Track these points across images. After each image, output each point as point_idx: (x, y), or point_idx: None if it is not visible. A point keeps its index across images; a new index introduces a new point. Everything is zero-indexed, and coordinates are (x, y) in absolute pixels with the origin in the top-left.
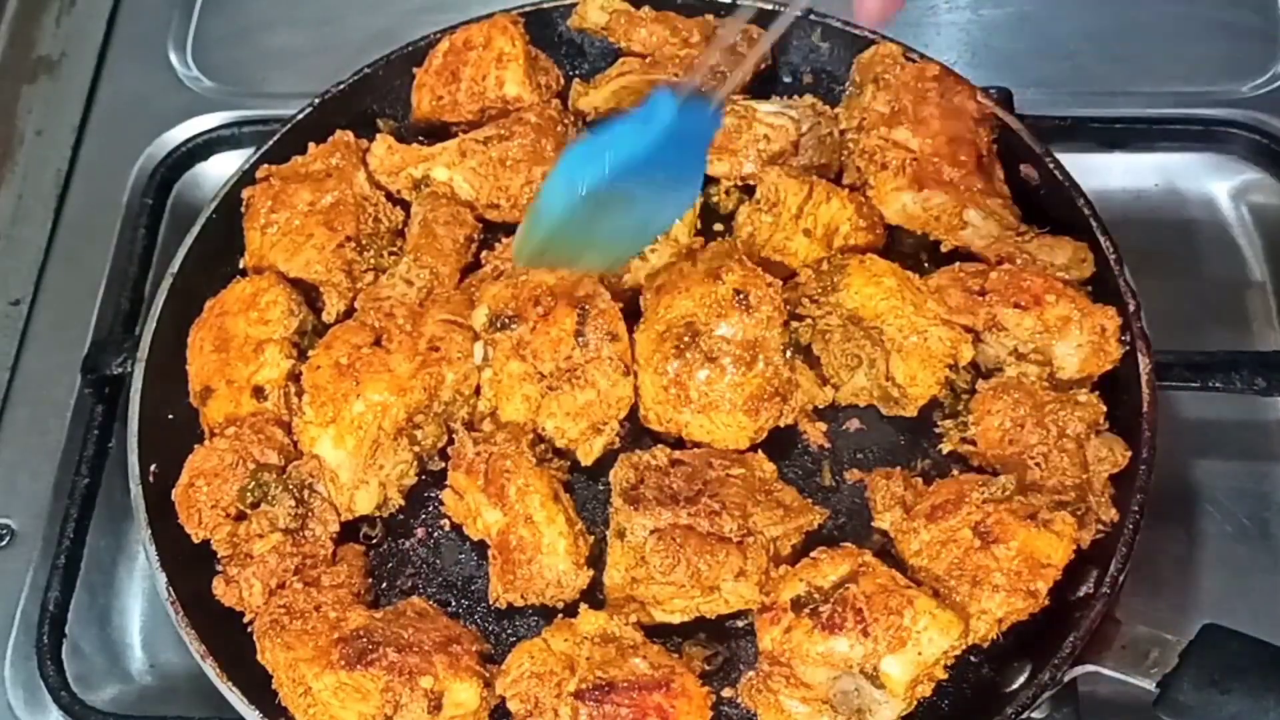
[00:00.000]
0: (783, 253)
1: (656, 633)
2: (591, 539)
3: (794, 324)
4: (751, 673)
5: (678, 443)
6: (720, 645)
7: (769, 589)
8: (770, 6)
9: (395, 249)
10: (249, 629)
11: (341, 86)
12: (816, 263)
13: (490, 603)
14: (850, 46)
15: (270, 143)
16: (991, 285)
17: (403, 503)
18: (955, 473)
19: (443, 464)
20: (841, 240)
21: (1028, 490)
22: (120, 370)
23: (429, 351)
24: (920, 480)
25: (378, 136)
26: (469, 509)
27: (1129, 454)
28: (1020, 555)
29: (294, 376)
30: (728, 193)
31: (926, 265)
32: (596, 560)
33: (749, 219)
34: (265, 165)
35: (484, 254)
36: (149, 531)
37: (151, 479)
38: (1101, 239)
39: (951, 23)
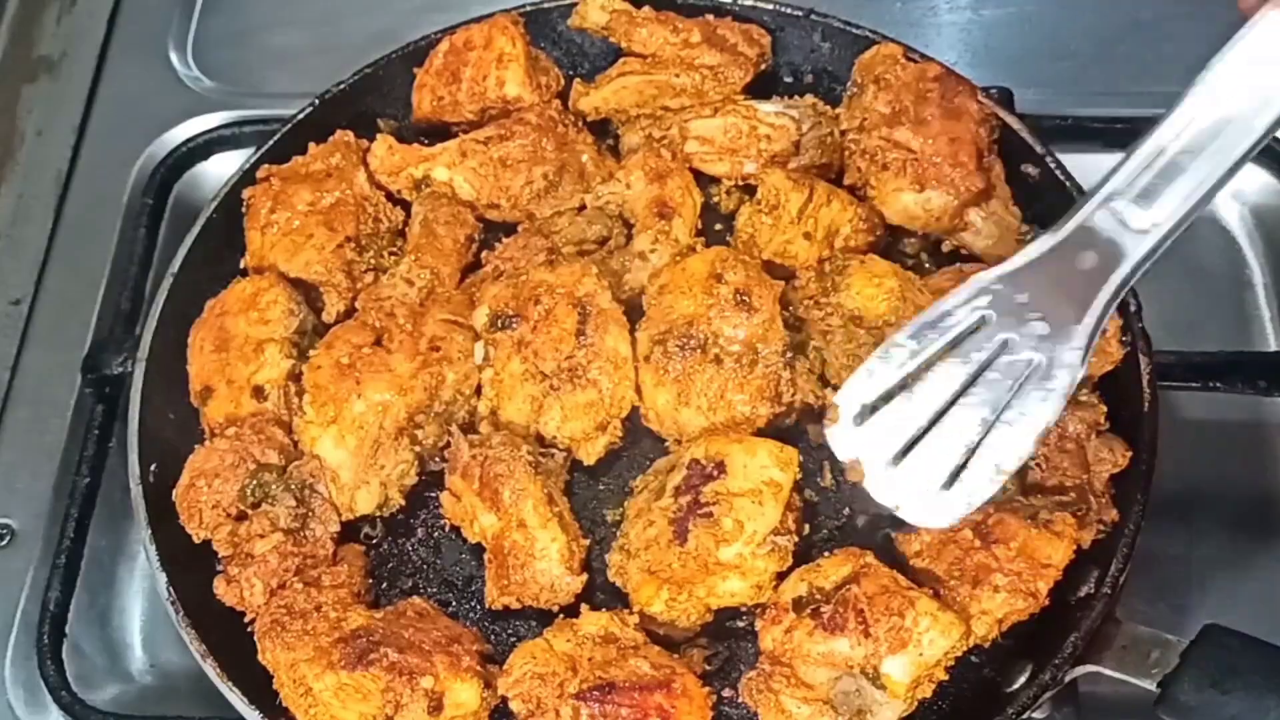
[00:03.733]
0: (783, 255)
1: (658, 636)
2: (588, 541)
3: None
4: (753, 672)
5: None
6: (720, 645)
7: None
8: (770, 6)
9: (395, 249)
10: (249, 629)
11: (342, 86)
12: (818, 263)
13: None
14: (851, 46)
15: (270, 143)
16: None
17: (403, 503)
18: None
19: (444, 464)
20: (842, 242)
21: (1029, 491)
22: (120, 370)
23: (430, 351)
24: None
25: (378, 136)
26: (466, 511)
27: (1130, 454)
28: (1021, 555)
29: (294, 376)
30: (728, 193)
31: (927, 265)
32: (593, 564)
33: (749, 221)
34: (265, 165)
35: (485, 254)
36: (149, 531)
37: (151, 479)
38: None
39: (952, 23)
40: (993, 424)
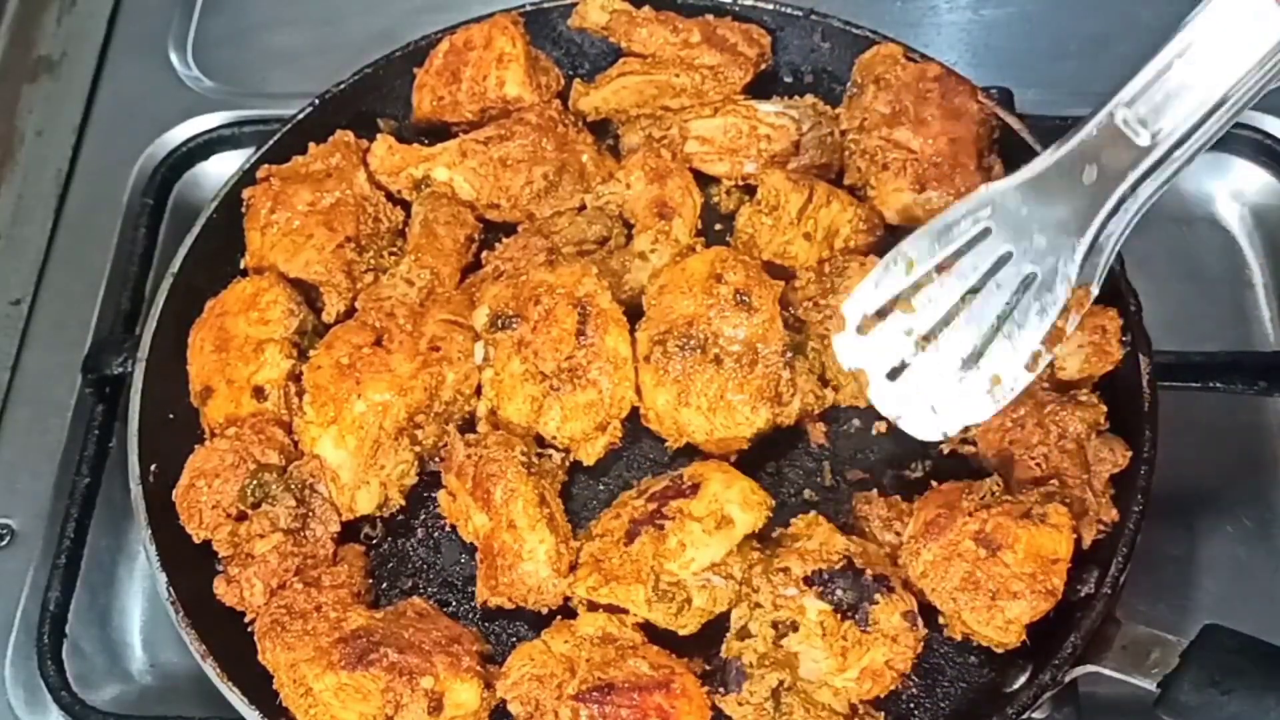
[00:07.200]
0: (783, 256)
1: (656, 636)
2: (578, 544)
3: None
4: None
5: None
6: (720, 646)
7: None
8: (770, 6)
9: (395, 249)
10: (249, 629)
11: (342, 86)
12: (818, 264)
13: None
14: (851, 46)
15: (270, 143)
16: None
17: (403, 503)
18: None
19: (443, 463)
20: (842, 243)
21: (1014, 489)
22: (121, 370)
23: (430, 351)
24: (899, 497)
25: (378, 136)
26: (461, 510)
27: (1129, 454)
28: (1029, 557)
29: (294, 376)
30: (728, 193)
31: None
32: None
33: (749, 221)
34: (265, 165)
35: (484, 254)
36: (149, 531)
37: (151, 479)
38: None
39: (952, 23)
40: (991, 336)
